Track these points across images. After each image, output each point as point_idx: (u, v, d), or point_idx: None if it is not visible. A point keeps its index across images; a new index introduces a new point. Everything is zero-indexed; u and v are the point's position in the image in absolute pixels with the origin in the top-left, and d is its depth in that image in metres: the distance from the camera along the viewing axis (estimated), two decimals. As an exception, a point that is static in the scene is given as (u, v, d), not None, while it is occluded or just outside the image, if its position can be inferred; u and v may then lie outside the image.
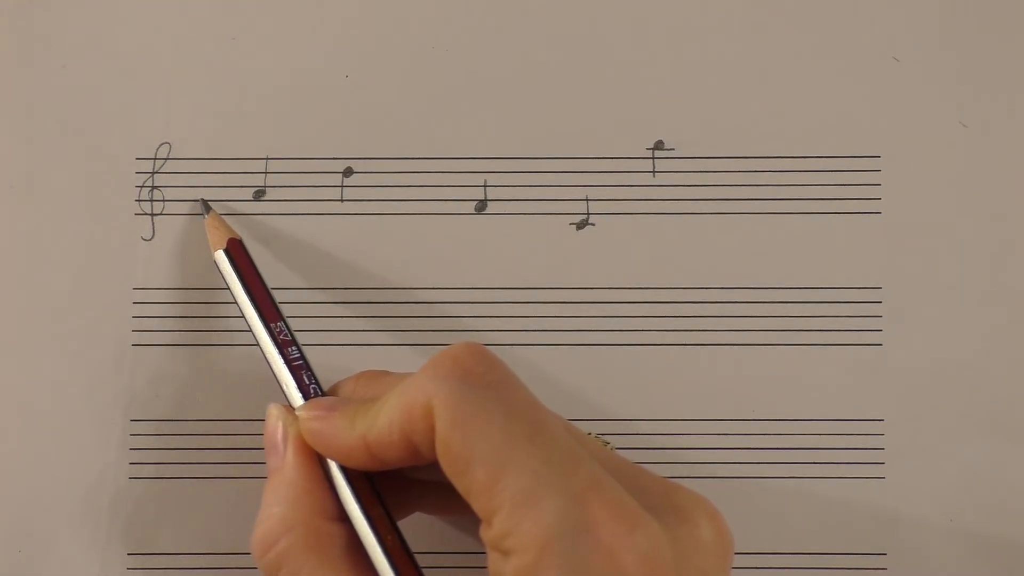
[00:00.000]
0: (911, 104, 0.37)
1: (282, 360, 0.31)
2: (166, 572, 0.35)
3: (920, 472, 0.35)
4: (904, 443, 0.35)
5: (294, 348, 0.31)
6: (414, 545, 0.29)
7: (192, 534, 0.35)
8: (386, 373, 0.31)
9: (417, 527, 0.32)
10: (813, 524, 0.35)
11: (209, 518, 0.35)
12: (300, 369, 0.31)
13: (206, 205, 0.35)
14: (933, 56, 0.37)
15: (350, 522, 0.29)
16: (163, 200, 0.36)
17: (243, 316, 0.32)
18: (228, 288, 0.33)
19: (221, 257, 0.33)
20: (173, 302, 0.36)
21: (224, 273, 0.33)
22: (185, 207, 0.36)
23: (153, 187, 0.36)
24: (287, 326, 0.32)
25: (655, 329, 0.36)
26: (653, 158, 0.37)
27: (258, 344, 0.32)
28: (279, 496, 0.29)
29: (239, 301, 0.32)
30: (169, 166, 0.36)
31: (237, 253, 0.33)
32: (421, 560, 0.28)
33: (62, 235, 0.36)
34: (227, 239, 0.33)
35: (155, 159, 0.36)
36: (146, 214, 0.36)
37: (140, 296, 0.36)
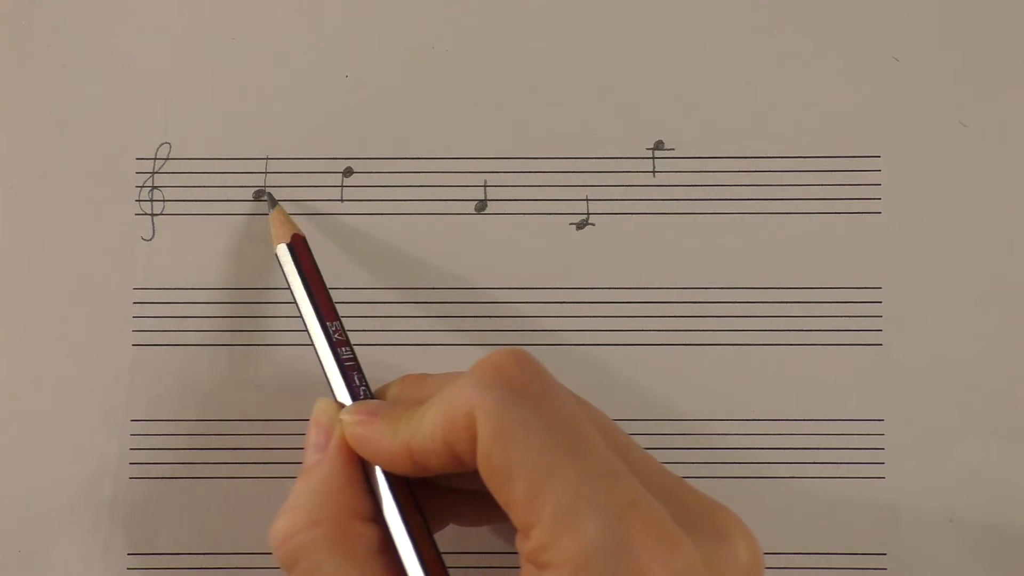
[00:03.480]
0: (911, 104, 0.37)
1: (334, 359, 0.31)
2: (166, 572, 0.35)
3: (920, 472, 0.35)
4: (904, 443, 0.35)
5: (347, 348, 0.31)
6: (442, 548, 0.29)
7: (192, 534, 0.35)
8: (428, 376, 0.31)
9: (447, 532, 0.32)
10: (813, 524, 0.35)
11: (209, 518, 0.35)
12: (352, 370, 0.31)
13: (272, 199, 0.35)
14: (933, 56, 0.37)
15: (378, 525, 0.28)
16: (163, 200, 0.36)
17: (299, 312, 0.32)
18: (286, 283, 0.33)
19: (284, 251, 0.33)
20: (173, 302, 0.36)
21: (285, 268, 0.33)
22: (185, 207, 0.36)
23: (153, 187, 0.36)
24: (342, 326, 0.32)
25: (655, 329, 0.36)
26: (653, 158, 0.37)
27: (311, 342, 0.32)
28: (312, 489, 0.28)
29: (297, 297, 0.32)
30: (169, 166, 0.36)
31: (300, 249, 0.33)
32: (448, 561, 0.28)
33: (62, 235, 0.36)
34: (291, 234, 0.33)
35: (155, 159, 0.36)
36: (146, 214, 0.36)
37: (140, 296, 0.36)
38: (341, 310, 0.34)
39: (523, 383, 0.26)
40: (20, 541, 0.35)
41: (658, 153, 0.37)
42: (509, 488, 0.25)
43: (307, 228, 0.36)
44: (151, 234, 0.36)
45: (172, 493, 0.35)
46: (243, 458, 0.35)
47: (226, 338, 0.36)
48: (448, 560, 0.28)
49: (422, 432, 0.27)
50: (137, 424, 0.35)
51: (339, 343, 0.31)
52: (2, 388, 0.36)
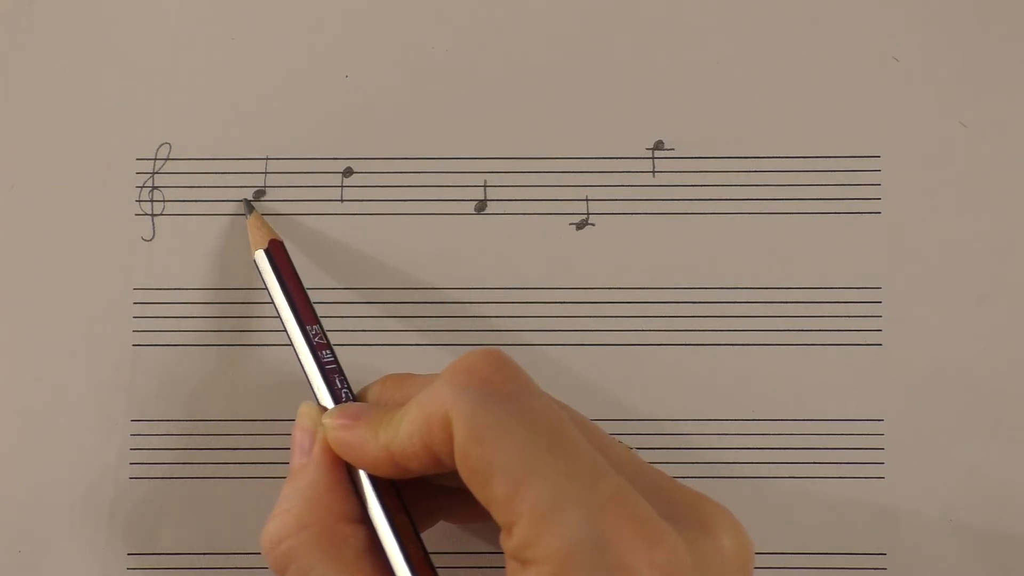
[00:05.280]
0: (911, 104, 0.37)
1: (315, 363, 0.31)
2: (166, 572, 0.35)
3: (920, 472, 0.35)
4: (904, 443, 0.35)
5: (328, 352, 0.31)
6: (430, 548, 0.29)
7: (192, 534, 0.35)
8: (410, 376, 0.31)
9: (435, 531, 0.32)
10: (813, 524, 0.35)
11: (209, 518, 0.35)
12: (333, 373, 0.31)
13: (249, 205, 0.35)
14: (933, 56, 0.37)
15: (366, 526, 0.29)
16: (163, 200, 0.36)
17: (279, 317, 0.32)
18: (266, 288, 0.33)
19: (261, 257, 0.33)
20: (173, 302, 0.36)
21: (263, 273, 0.33)
22: (185, 207, 0.36)
23: (153, 187, 0.36)
24: (322, 329, 0.32)
25: (655, 329, 0.36)
26: (653, 158, 0.37)
27: (292, 345, 0.32)
28: (299, 493, 0.29)
29: (276, 302, 0.32)
30: (169, 166, 0.36)
31: (278, 254, 0.33)
32: (436, 561, 0.28)
33: (62, 235, 0.36)
34: (268, 240, 0.33)
35: (155, 159, 0.36)
36: (146, 214, 0.36)
37: (140, 296, 0.36)
38: (340, 310, 0.35)
39: (498, 383, 0.26)
40: (20, 541, 0.35)
41: (658, 153, 0.37)
42: (489, 488, 0.25)
43: (307, 228, 0.36)
44: (151, 234, 0.36)
45: (172, 493, 0.35)
46: (243, 458, 0.35)
47: (226, 338, 0.36)
48: (436, 560, 0.28)
49: (401, 436, 0.27)
50: (137, 424, 0.35)
51: (319, 346, 0.31)
52: (2, 388, 0.36)
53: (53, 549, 0.35)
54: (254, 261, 0.34)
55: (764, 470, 0.35)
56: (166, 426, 0.35)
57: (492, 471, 0.25)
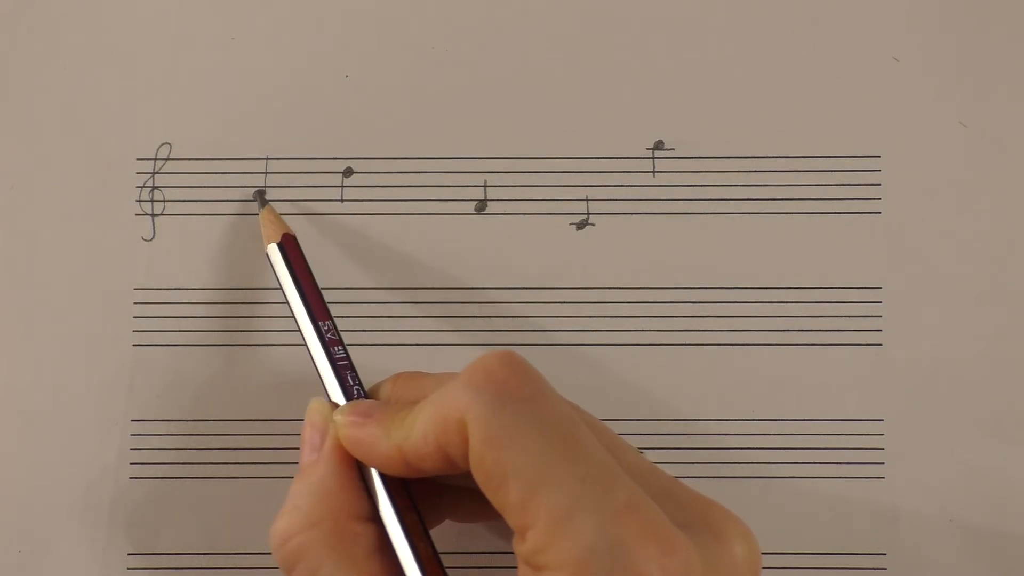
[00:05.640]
0: (911, 104, 0.37)
1: (327, 359, 0.31)
2: (166, 572, 0.35)
3: (920, 472, 0.35)
4: (904, 443, 0.35)
5: (340, 348, 0.31)
6: (438, 547, 0.29)
7: (192, 534, 0.35)
8: (422, 375, 0.31)
9: (441, 530, 0.32)
10: (813, 524, 0.35)
11: (209, 518, 0.35)
12: (345, 369, 0.31)
13: (262, 199, 0.35)
14: (933, 56, 0.37)
15: (376, 524, 0.28)
16: (163, 200, 0.36)
17: (291, 312, 0.32)
18: (278, 283, 0.33)
19: (274, 251, 0.33)
20: (174, 302, 0.36)
21: (276, 267, 0.33)
22: (185, 207, 0.36)
23: (153, 187, 0.36)
24: (334, 325, 0.32)
25: (655, 329, 0.36)
26: (653, 158, 0.37)
27: (304, 341, 0.32)
28: (309, 489, 0.28)
29: (288, 297, 0.32)
30: (169, 166, 0.36)
31: (291, 248, 0.33)
32: (446, 560, 0.28)
33: (62, 235, 0.36)
34: (281, 233, 0.33)
35: (155, 159, 0.36)
36: (146, 214, 0.36)
37: (140, 296, 0.36)
38: (341, 310, 0.34)
39: (514, 386, 0.26)
40: (20, 541, 0.35)
41: (658, 153, 0.37)
42: (504, 492, 0.25)
43: (307, 228, 0.36)
44: (151, 234, 0.36)
45: (172, 493, 0.35)
46: (243, 458, 0.35)
47: (226, 338, 0.36)
48: (445, 559, 0.28)
49: (414, 436, 0.27)
50: (137, 424, 0.35)
51: (332, 342, 0.31)
52: (2, 388, 0.36)
53: (53, 549, 0.35)
54: (266, 255, 0.33)
55: (764, 470, 0.35)
56: (166, 426, 0.35)
57: (507, 476, 0.25)
